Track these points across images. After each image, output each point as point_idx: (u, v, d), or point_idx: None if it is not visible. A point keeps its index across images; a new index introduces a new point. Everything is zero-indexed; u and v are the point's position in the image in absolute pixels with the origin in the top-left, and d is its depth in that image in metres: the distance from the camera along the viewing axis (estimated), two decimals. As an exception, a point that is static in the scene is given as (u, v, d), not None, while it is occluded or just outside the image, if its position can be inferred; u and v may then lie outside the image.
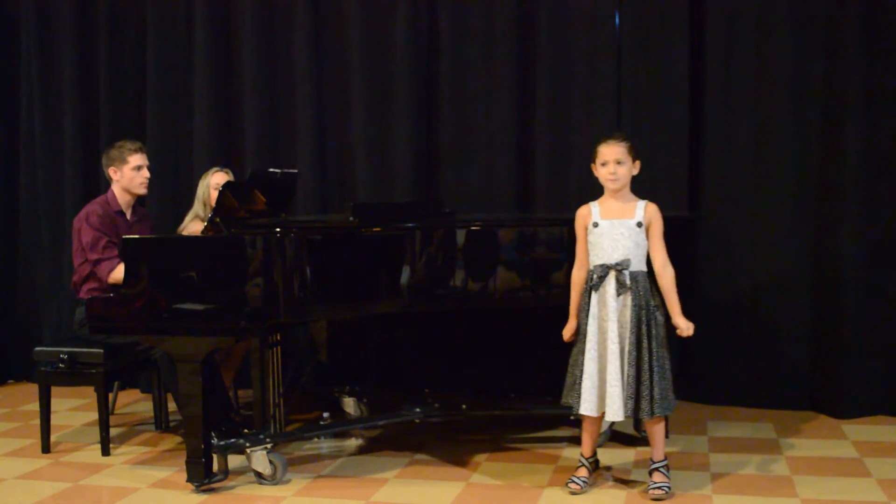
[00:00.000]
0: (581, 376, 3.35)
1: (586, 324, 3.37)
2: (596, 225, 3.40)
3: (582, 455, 3.54)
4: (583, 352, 3.37)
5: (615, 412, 3.30)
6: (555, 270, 3.57)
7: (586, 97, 4.78)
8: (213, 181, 4.42)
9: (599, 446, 3.98)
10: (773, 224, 4.57)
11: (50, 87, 5.60)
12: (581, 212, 3.47)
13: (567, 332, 3.46)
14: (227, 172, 4.49)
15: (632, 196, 3.46)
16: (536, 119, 4.87)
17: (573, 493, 3.44)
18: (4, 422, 4.78)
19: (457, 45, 5.00)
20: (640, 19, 4.71)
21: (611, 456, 3.88)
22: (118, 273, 3.98)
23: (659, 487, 3.37)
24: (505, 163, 4.91)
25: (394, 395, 4.55)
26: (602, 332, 3.35)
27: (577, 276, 3.47)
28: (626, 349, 3.31)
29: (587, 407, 3.35)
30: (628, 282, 3.33)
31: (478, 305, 3.78)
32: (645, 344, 3.30)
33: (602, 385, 3.34)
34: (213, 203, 4.36)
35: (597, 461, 3.60)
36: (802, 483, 3.51)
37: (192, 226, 4.40)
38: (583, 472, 3.51)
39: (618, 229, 3.37)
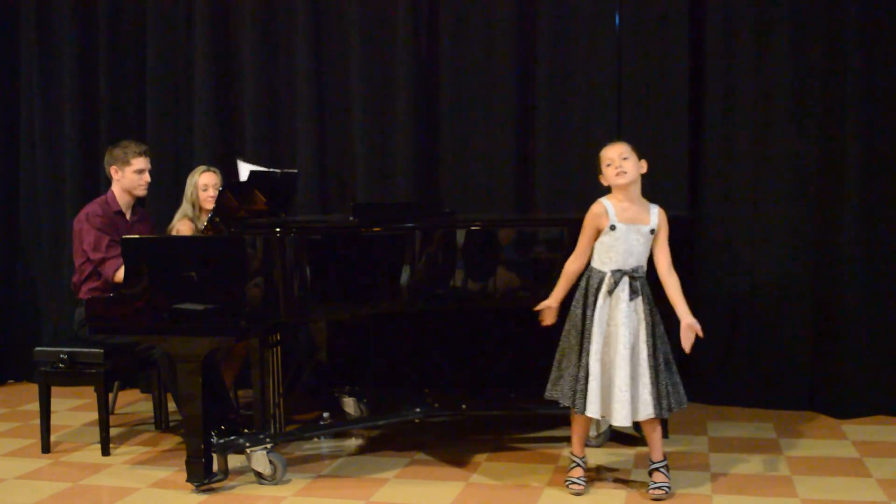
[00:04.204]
0: (587, 378, 3.32)
1: (591, 325, 3.34)
2: (613, 227, 3.35)
3: (574, 454, 3.54)
4: (585, 352, 3.35)
5: (623, 418, 3.29)
6: (555, 270, 3.57)
7: (586, 97, 4.78)
8: (201, 181, 4.42)
9: (599, 446, 3.99)
10: (773, 224, 4.57)
11: (50, 87, 5.59)
12: (596, 209, 3.39)
13: (542, 307, 3.46)
14: (214, 172, 4.48)
15: (643, 199, 3.43)
16: (536, 119, 4.87)
17: (578, 495, 3.44)
18: (4, 422, 4.78)
19: (457, 45, 5.00)
20: (640, 19, 4.70)
21: (611, 456, 3.88)
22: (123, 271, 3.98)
23: (659, 487, 3.37)
24: (505, 163, 4.91)
25: (394, 395, 4.55)
26: (613, 336, 3.32)
27: (571, 268, 3.45)
28: (642, 352, 3.30)
29: (593, 409, 3.31)
30: (640, 287, 3.34)
31: (478, 305, 3.78)
32: (658, 344, 3.32)
33: (608, 388, 3.32)
34: (201, 202, 4.39)
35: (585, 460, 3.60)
36: (802, 483, 3.51)
37: (180, 225, 4.40)
38: (579, 472, 3.50)
39: (634, 235, 3.36)
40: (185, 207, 4.45)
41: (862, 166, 4.39)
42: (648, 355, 3.31)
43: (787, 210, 4.56)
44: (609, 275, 3.35)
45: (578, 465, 3.52)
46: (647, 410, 3.30)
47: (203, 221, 4.40)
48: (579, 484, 3.45)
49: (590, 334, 3.34)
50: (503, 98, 4.90)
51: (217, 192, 4.37)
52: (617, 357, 3.30)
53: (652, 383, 3.30)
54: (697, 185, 4.71)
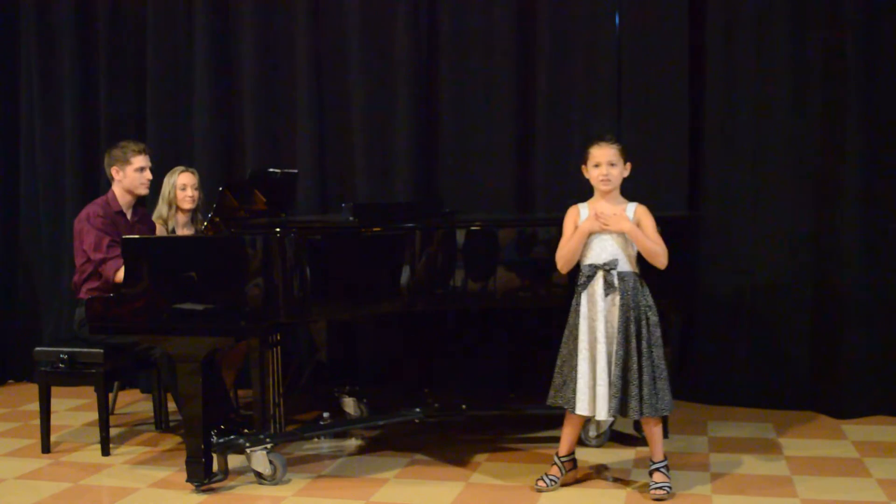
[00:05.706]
0: (575, 376, 3.36)
1: (577, 324, 3.38)
2: None
3: (557, 454, 3.55)
4: (576, 352, 3.37)
5: (601, 411, 3.31)
6: (554, 270, 3.57)
7: (586, 97, 4.78)
8: (179, 181, 4.43)
9: (599, 447, 3.99)
10: (773, 224, 4.57)
11: (50, 88, 5.59)
12: (571, 211, 3.48)
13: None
14: (192, 172, 4.49)
15: (622, 199, 3.46)
16: (536, 119, 4.87)
17: (539, 491, 3.46)
18: (4, 422, 4.79)
19: (457, 45, 5.00)
20: (640, 19, 4.70)
21: (611, 456, 3.88)
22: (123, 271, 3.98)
23: (660, 487, 3.37)
24: (505, 163, 4.91)
25: (394, 395, 4.55)
26: (592, 332, 3.35)
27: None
28: (615, 349, 3.32)
29: (582, 407, 3.34)
30: (616, 282, 3.34)
31: (478, 305, 3.79)
32: (633, 344, 3.31)
33: (594, 385, 3.34)
34: (178, 202, 4.41)
35: (574, 460, 3.60)
36: (802, 483, 3.51)
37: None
38: (555, 472, 3.52)
39: (606, 233, 3.38)
40: (161, 208, 4.47)
41: (862, 166, 4.39)
42: (618, 353, 3.31)
43: (786, 209, 4.56)
44: (584, 269, 3.39)
45: (556, 464, 3.54)
46: (609, 409, 3.31)
47: (177, 221, 4.44)
48: (545, 482, 3.47)
49: (578, 332, 3.37)
50: (503, 98, 4.90)
51: (195, 192, 4.42)
52: (596, 352, 3.33)
53: (615, 383, 3.30)
54: (697, 185, 4.70)
